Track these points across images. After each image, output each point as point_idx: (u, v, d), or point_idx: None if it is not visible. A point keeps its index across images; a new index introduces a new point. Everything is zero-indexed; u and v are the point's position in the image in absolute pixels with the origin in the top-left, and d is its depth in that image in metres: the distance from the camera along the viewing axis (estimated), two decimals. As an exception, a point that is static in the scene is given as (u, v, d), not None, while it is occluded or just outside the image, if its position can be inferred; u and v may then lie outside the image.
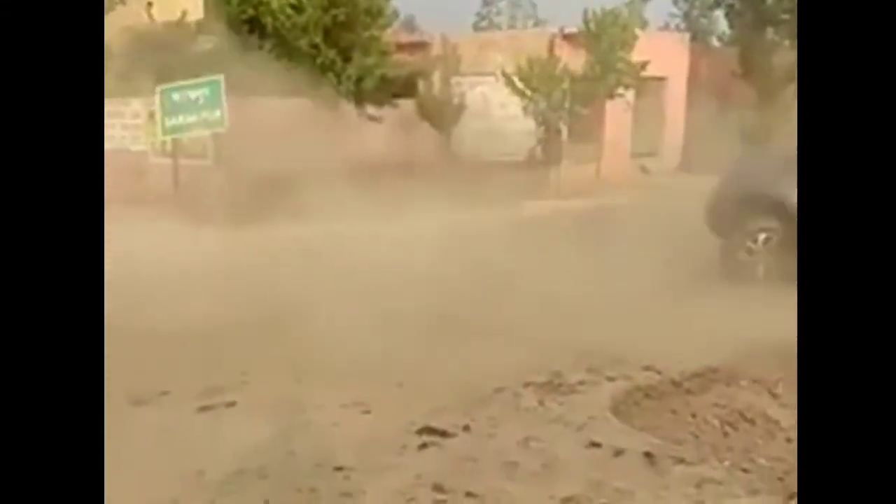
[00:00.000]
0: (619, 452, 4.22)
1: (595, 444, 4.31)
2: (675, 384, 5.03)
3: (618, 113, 17.74)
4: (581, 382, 5.08)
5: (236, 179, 12.96)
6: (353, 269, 8.18)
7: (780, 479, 4.10)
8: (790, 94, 19.69)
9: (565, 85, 16.40)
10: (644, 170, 18.15)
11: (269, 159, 12.80)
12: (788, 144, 9.11)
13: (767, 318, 5.62)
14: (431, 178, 13.92)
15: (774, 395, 5.06)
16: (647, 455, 4.18)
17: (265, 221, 11.12)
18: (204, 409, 4.82)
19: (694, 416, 4.62)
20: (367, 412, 4.75)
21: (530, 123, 16.82)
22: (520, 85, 16.30)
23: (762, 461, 4.21)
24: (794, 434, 4.69)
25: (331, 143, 14.28)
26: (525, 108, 16.54)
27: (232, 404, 4.88)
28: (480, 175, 14.43)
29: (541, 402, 4.85)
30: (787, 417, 4.86)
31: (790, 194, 7.40)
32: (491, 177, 14.45)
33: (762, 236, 7.65)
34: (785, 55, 19.71)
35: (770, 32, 20.28)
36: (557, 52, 17.12)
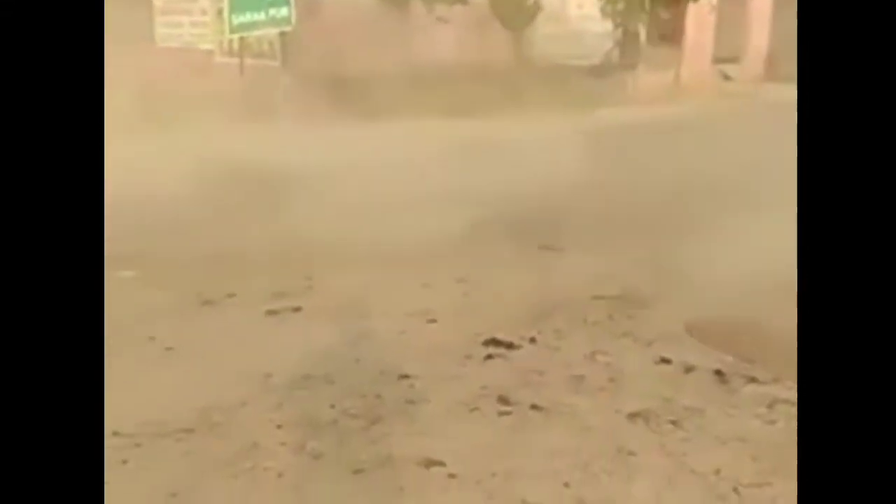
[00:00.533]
0: (689, 369, 4.13)
1: (665, 360, 4.22)
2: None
3: (700, 15, 16.98)
4: (653, 297, 4.95)
5: (304, 80, 12.86)
6: (421, 175, 8.09)
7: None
8: None
9: (650, -17, 15.77)
10: (726, 76, 17.41)
11: (337, 60, 12.63)
12: None
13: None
14: (503, 82, 13.62)
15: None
16: (718, 373, 4.08)
17: (334, 123, 11.04)
18: (271, 313, 4.85)
19: (769, 338, 4.47)
20: (433, 321, 4.72)
21: (607, 25, 16.24)
22: (601, -17, 15.71)
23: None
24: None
25: (399, 45, 14.03)
26: (603, 9, 15.96)
27: (298, 310, 4.89)
28: (554, 79, 14.05)
29: (610, 317, 4.75)
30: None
31: None
32: (565, 81, 14.05)
33: None
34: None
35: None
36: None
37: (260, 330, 4.63)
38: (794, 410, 3.75)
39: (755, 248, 5.45)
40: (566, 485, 3.11)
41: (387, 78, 12.46)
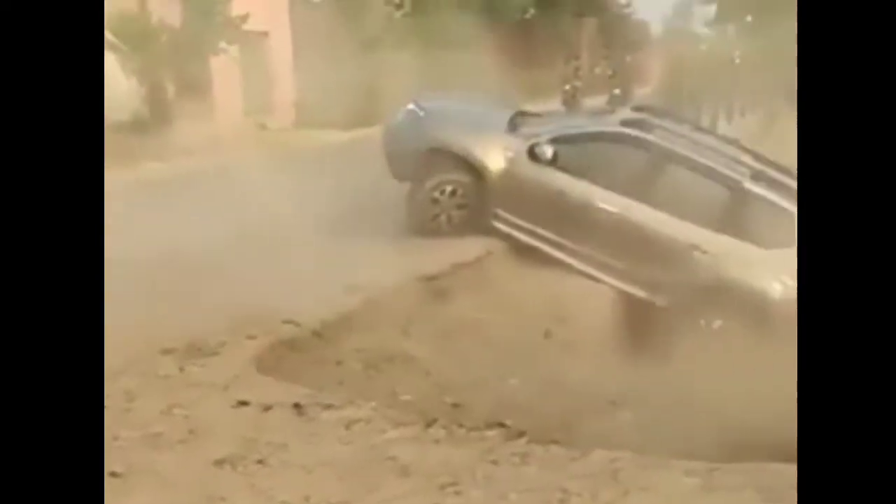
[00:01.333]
0: (267, 408, 4.18)
1: (243, 403, 4.22)
2: (317, 334, 5.08)
3: (225, 69, 17.30)
4: (221, 343, 4.92)
5: None
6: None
7: (422, 411, 4.35)
8: (389, 44, 20.69)
9: (164, 39, 15.65)
10: (262, 126, 17.84)
11: None
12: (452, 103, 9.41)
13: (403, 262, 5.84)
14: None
15: (408, 335, 5.34)
16: (296, 406, 4.19)
17: None
18: None
19: (339, 363, 4.71)
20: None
21: (133, 82, 15.81)
22: (114, 40, 15.21)
23: (406, 397, 4.42)
24: (431, 367, 5.01)
25: None
26: (124, 66, 15.51)
27: None
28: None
29: (181, 369, 4.63)
30: (423, 352, 5.17)
31: (473, 148, 7.71)
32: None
33: (448, 188, 7.66)
34: (380, 8, 20.61)
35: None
36: (150, 6, 16.16)
37: None
38: (369, 427, 4.00)
39: (310, 286, 5.70)
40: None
41: None
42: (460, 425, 4.09)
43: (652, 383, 6.30)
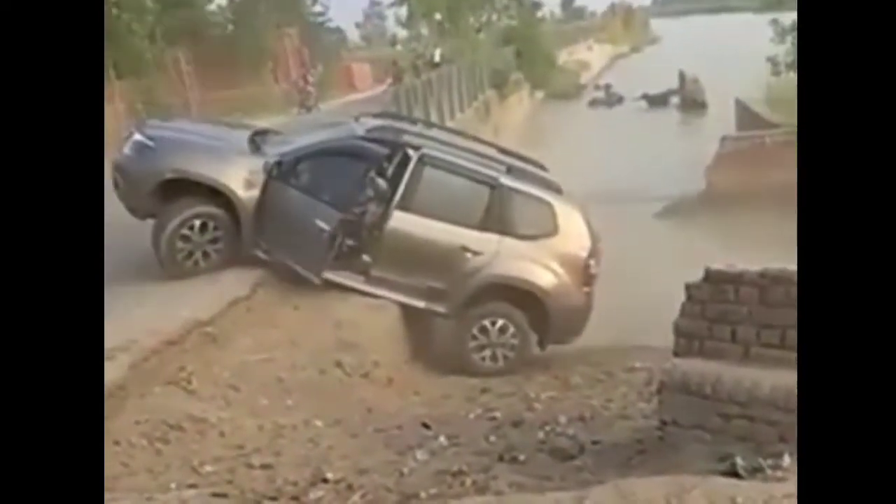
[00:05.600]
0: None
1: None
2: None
3: None
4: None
5: None
6: None
7: (230, 480, 3.80)
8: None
9: None
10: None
11: None
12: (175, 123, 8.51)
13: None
14: None
15: (191, 392, 4.70)
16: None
17: None
18: None
19: (117, 443, 4.00)
20: None
21: None
22: None
23: (207, 468, 3.84)
24: (226, 427, 4.41)
25: None
26: None
27: None
28: None
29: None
30: (213, 412, 4.55)
31: (216, 174, 6.92)
32: None
33: (197, 222, 6.89)
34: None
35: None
36: None
37: None
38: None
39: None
40: None
41: None
42: (278, 493, 3.59)
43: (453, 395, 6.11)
